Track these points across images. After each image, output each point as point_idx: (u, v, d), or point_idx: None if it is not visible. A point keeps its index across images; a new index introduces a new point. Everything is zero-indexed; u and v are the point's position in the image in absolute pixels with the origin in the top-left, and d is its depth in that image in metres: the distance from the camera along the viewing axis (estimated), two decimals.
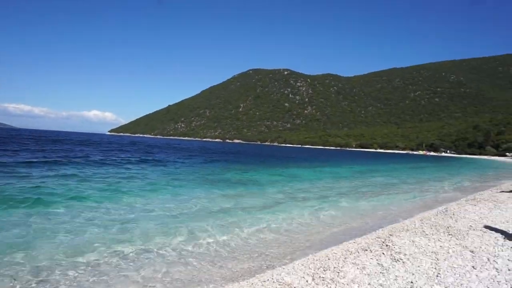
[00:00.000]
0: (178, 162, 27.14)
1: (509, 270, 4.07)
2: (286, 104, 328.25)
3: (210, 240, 6.54)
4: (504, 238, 5.59)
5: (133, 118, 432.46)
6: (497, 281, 3.73)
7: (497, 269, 4.12)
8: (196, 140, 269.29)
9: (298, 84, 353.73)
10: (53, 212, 7.99)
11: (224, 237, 6.78)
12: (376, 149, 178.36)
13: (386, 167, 37.78)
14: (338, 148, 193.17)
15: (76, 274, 4.72)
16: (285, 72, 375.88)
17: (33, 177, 12.99)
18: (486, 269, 4.14)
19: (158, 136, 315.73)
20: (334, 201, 11.67)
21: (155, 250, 5.86)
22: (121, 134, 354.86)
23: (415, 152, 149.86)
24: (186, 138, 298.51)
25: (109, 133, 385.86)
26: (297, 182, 17.74)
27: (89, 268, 4.96)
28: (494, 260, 4.44)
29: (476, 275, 3.94)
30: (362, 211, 10.18)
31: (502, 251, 4.86)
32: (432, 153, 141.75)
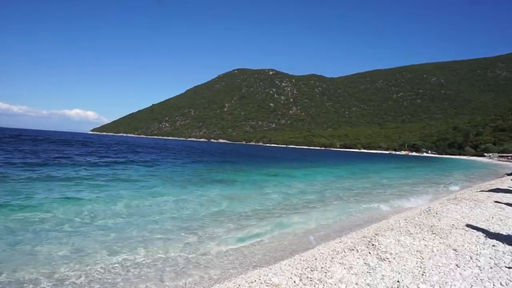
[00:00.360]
0: (168, 162, 26.83)
1: (491, 268, 4.15)
2: (271, 104, 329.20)
3: (201, 245, 6.45)
4: (486, 237, 5.72)
5: (116, 118, 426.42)
6: (480, 279, 3.80)
7: (479, 267, 4.21)
8: (180, 139, 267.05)
9: (283, 84, 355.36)
10: (40, 218, 7.51)
11: (215, 241, 6.70)
12: (359, 149, 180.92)
13: (375, 167, 38.39)
14: (323, 148, 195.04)
15: None
16: (270, 72, 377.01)
17: (14, 179, 12.36)
18: (469, 267, 4.22)
19: (142, 136, 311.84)
20: (329, 203, 11.67)
21: (144, 253, 5.75)
22: (104, 133, 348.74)
23: (397, 152, 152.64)
24: (170, 137, 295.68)
25: (91, 132, 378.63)
26: (292, 182, 17.60)
27: (85, 281, 4.66)
28: (476, 259, 4.53)
29: (460, 273, 4.01)
30: (361, 213, 10.15)
31: (484, 249, 4.97)
32: (414, 153, 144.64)
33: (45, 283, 4.50)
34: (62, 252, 5.57)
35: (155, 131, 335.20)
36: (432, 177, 26.33)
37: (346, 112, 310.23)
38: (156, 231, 7.07)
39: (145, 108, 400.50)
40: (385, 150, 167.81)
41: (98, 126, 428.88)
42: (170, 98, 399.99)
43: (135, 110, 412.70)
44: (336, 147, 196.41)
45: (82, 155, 26.56)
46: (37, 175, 13.66)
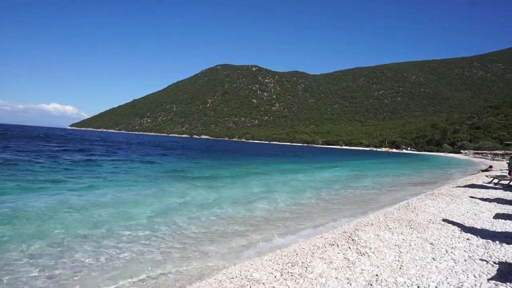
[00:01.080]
0: (167, 160, 26.45)
1: (465, 260, 4.27)
2: (254, 100, 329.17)
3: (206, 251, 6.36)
4: (460, 231, 5.88)
5: (96, 112, 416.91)
6: (455, 272, 3.90)
7: (454, 260, 4.32)
8: (162, 135, 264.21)
9: (266, 80, 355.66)
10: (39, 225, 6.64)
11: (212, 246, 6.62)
12: (341, 145, 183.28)
13: (374, 164, 38.95)
14: (305, 144, 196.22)
15: None
16: (254, 69, 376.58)
17: None
18: (445, 260, 4.32)
19: (123, 131, 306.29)
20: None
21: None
22: (83, 128, 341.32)
23: (378, 149, 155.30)
24: (152, 133, 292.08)
25: (70, 127, 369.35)
26: (303, 181, 17.08)
27: None
28: (452, 252, 4.65)
29: (436, 266, 4.10)
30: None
31: (459, 243, 5.11)
32: (394, 150, 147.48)
33: None
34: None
35: (137, 127, 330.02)
36: (430, 174, 26.38)
37: (328, 109, 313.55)
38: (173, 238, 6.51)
39: (126, 103, 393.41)
40: (366, 147, 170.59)
41: (77, 121, 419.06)
42: (152, 93, 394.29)
43: (116, 105, 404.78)
44: (318, 144, 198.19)
45: (69, 152, 25.79)
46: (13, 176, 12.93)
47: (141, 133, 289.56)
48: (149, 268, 4.98)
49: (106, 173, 15.10)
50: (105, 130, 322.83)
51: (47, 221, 6.95)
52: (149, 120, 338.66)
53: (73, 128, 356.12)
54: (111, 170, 16.62)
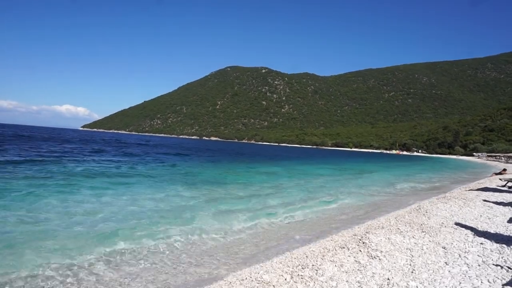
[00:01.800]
0: (189, 161, 26.70)
1: (479, 265, 4.21)
2: (264, 102, 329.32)
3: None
4: (474, 235, 5.80)
5: (107, 114, 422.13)
6: (469, 276, 3.85)
7: (468, 264, 4.26)
8: (172, 137, 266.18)
9: (276, 82, 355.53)
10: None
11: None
12: (351, 148, 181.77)
13: (400, 167, 38.62)
14: (314, 146, 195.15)
15: None
16: (263, 70, 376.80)
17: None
18: (458, 265, 4.27)
19: (133, 132, 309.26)
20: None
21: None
22: (95, 129, 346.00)
23: (388, 152, 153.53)
24: (162, 134, 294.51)
25: (82, 128, 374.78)
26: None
27: None
28: (465, 256, 4.59)
29: (449, 271, 4.05)
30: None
31: (472, 247, 5.04)
32: (405, 153, 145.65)
33: None
34: None
35: (147, 128, 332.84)
36: (462, 177, 25.94)
37: (338, 111, 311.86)
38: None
39: (137, 105, 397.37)
40: (376, 149, 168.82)
41: (88, 122, 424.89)
42: (162, 95, 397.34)
43: (126, 107, 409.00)
44: (328, 146, 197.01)
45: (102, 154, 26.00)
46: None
47: (151, 134, 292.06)
48: (163, 271, 5.01)
49: (138, 176, 15.20)
50: (116, 131, 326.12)
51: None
52: (159, 122, 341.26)
53: (85, 129, 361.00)
54: (138, 172, 16.66)
